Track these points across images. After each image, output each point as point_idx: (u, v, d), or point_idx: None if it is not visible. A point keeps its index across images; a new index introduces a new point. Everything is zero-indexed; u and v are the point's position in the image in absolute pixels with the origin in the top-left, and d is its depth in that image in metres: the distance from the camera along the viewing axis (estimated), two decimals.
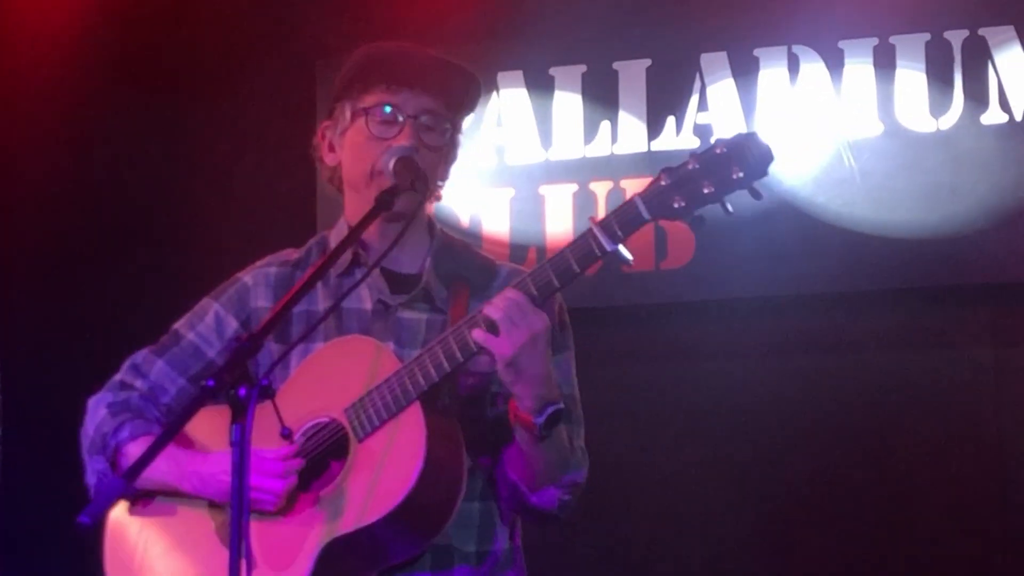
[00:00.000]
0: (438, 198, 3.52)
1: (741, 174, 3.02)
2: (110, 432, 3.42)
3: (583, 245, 3.13)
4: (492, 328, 3.14)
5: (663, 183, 3.07)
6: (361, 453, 3.22)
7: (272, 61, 6.16)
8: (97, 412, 3.47)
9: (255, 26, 6.17)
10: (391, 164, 3.32)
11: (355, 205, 3.42)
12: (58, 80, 6.09)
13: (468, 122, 3.56)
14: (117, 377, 3.52)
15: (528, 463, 3.30)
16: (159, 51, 6.21)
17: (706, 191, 3.04)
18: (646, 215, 3.08)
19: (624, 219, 3.10)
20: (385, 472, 3.18)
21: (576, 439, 3.40)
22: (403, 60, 3.45)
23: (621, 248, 3.11)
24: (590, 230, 3.11)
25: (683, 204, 3.05)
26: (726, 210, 3.05)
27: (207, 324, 3.49)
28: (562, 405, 3.22)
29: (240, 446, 2.79)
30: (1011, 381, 5.52)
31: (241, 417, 2.81)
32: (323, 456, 3.28)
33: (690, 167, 3.06)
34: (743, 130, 5.62)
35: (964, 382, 5.56)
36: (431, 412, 3.20)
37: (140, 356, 3.53)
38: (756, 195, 3.05)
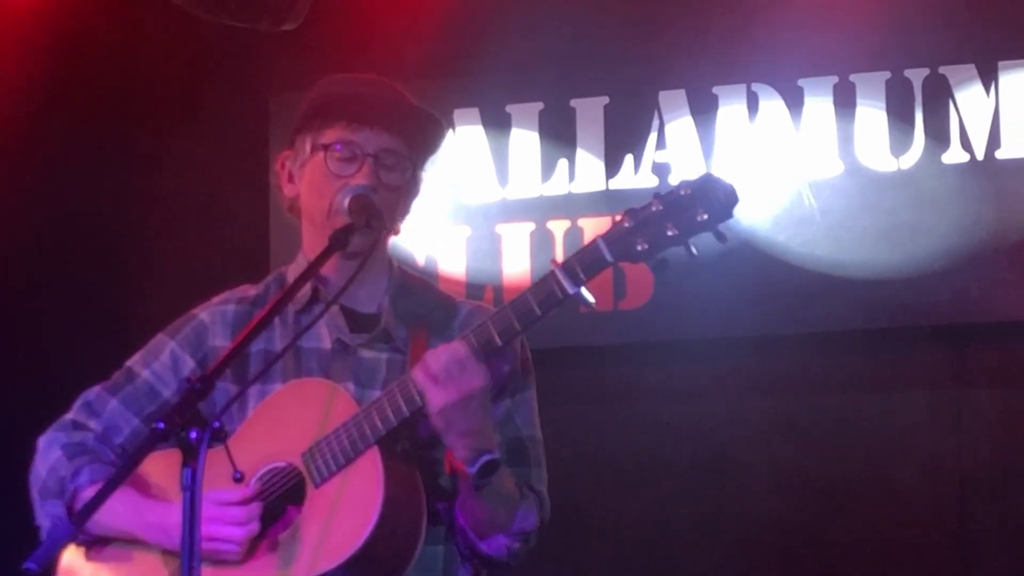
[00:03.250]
0: (396, 232, 3.51)
1: (705, 216, 3.00)
2: (68, 476, 3.38)
3: (545, 288, 3.12)
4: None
5: (626, 225, 3.06)
6: (317, 499, 3.22)
7: (225, 97, 6.16)
8: (50, 453, 3.43)
9: (208, 62, 6.17)
10: (347, 202, 3.34)
11: (313, 240, 3.43)
12: (7, 114, 6.07)
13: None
14: (69, 416, 3.48)
15: (472, 512, 3.31)
16: (112, 86, 6.20)
17: (670, 233, 3.02)
18: (608, 257, 3.07)
19: (586, 261, 3.09)
20: (341, 519, 3.18)
21: (537, 483, 3.42)
22: (366, 98, 3.46)
23: (583, 290, 3.10)
24: (552, 272, 3.11)
25: (646, 247, 3.04)
26: (690, 253, 3.04)
27: (162, 363, 3.47)
28: (497, 455, 3.22)
29: (191, 490, 2.78)
30: (972, 424, 5.55)
31: (192, 461, 2.80)
32: (280, 501, 3.27)
33: (653, 209, 3.04)
34: (702, 169, 5.70)
35: (924, 424, 5.59)
36: (389, 457, 3.20)
37: (92, 394, 3.50)
38: (721, 238, 3.03)
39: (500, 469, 3.24)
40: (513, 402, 3.43)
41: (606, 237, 3.08)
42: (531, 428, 3.46)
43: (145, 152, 6.20)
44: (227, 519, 3.20)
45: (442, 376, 3.13)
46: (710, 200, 3.01)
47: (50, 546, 2.88)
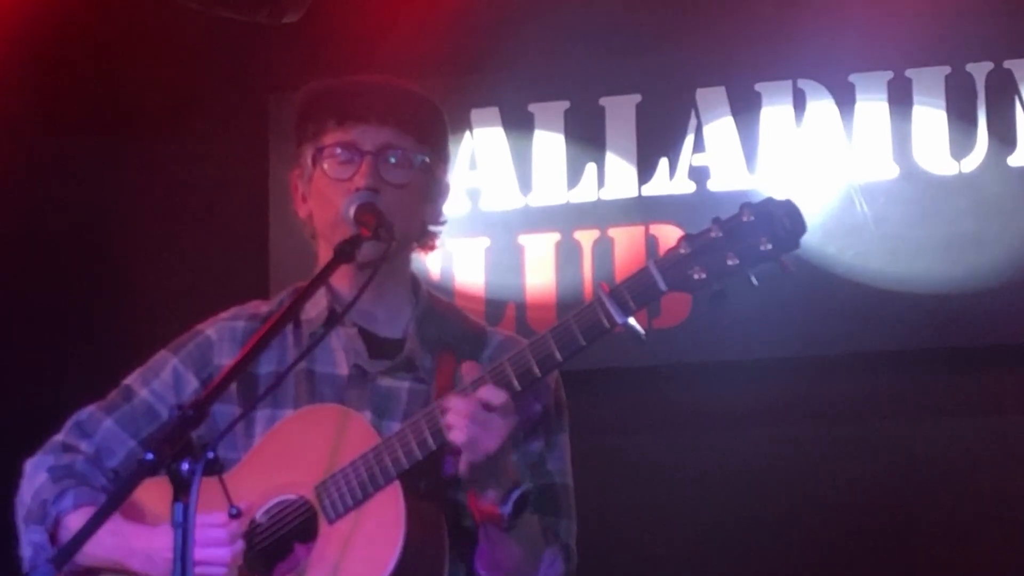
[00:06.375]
0: (432, 248, 3.51)
1: (769, 246, 2.98)
2: (50, 500, 3.36)
3: (590, 316, 3.10)
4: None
5: (682, 251, 3.03)
6: (331, 536, 3.19)
7: (222, 95, 6.17)
8: (36, 477, 3.41)
9: (204, 58, 6.18)
10: (351, 212, 3.31)
11: (326, 254, 3.38)
12: None
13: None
14: (59, 438, 3.47)
15: (497, 562, 3.29)
16: (105, 87, 6.24)
17: (730, 263, 3.00)
18: (662, 286, 3.05)
19: (637, 289, 3.07)
20: (356, 559, 3.14)
21: (565, 535, 3.40)
22: (353, 92, 3.48)
23: (632, 321, 3.08)
24: (599, 299, 3.09)
25: (703, 276, 3.01)
26: (751, 283, 3.01)
27: (163, 381, 3.45)
28: (528, 486, 3.21)
29: (184, 527, 2.74)
30: None
31: (184, 495, 2.76)
32: (288, 537, 3.24)
33: (712, 235, 3.01)
34: (744, 173, 5.68)
35: (993, 453, 5.55)
36: (411, 494, 3.17)
37: (85, 414, 3.48)
38: (785, 269, 3.01)
39: (529, 502, 3.22)
40: (546, 445, 3.43)
41: (660, 263, 3.07)
42: (563, 476, 3.45)
43: (138, 154, 6.25)
44: (211, 540, 3.16)
45: (474, 423, 3.11)
46: (775, 228, 2.99)
47: None
